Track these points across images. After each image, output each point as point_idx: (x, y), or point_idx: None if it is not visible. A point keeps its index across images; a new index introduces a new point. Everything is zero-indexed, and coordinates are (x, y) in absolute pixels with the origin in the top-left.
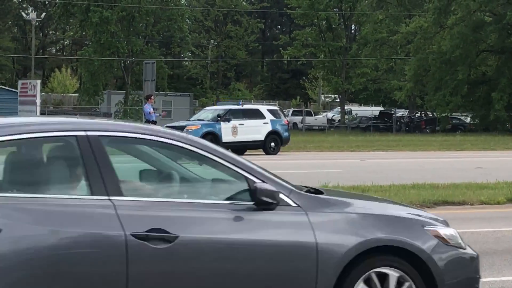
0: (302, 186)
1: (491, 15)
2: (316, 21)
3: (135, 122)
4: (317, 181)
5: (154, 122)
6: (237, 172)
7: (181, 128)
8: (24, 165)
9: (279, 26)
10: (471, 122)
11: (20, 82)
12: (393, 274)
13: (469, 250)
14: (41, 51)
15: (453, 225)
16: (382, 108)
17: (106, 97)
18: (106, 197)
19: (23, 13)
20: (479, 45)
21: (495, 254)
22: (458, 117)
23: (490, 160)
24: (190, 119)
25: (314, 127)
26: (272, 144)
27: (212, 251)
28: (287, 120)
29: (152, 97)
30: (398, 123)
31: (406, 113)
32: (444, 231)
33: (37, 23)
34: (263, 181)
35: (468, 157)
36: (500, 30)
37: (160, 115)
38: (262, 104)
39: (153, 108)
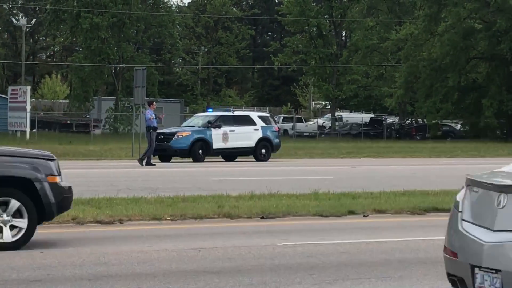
0: None
1: (481, 22)
2: (306, 28)
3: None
4: (307, 188)
5: (155, 129)
6: None
7: (171, 135)
8: None
9: (270, 33)
10: (462, 129)
11: (10, 88)
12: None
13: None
14: (31, 57)
15: (443, 231)
16: (372, 115)
17: (96, 103)
18: None
19: (13, 19)
20: (469, 52)
21: None
22: (449, 124)
23: (480, 167)
24: (181, 126)
25: (304, 134)
26: (263, 150)
27: None
28: (278, 127)
29: (154, 103)
30: (388, 129)
31: (397, 120)
32: None
33: (27, 29)
34: None
35: (459, 164)
36: (490, 37)
37: (160, 118)
38: (253, 111)
39: (155, 114)
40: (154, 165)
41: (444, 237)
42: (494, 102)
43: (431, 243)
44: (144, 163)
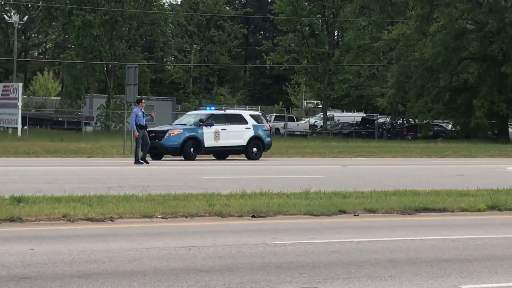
0: None
1: (473, 23)
2: (299, 27)
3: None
4: (298, 187)
5: (145, 127)
6: None
7: (163, 133)
8: None
9: (262, 32)
10: (453, 129)
11: (1, 85)
12: None
13: None
14: (23, 54)
15: (433, 231)
16: (364, 115)
17: (88, 101)
18: None
19: (5, 16)
20: (461, 53)
21: (475, 261)
22: (440, 124)
23: (471, 167)
24: (173, 124)
25: (296, 133)
26: (254, 149)
27: None
28: (270, 126)
29: (143, 101)
30: (380, 129)
31: (388, 120)
32: None
33: (19, 26)
34: None
35: (449, 164)
36: (482, 38)
37: (152, 116)
38: (245, 109)
39: (142, 112)
40: (142, 163)
41: (433, 237)
42: (485, 102)
43: (421, 243)
44: (146, 161)
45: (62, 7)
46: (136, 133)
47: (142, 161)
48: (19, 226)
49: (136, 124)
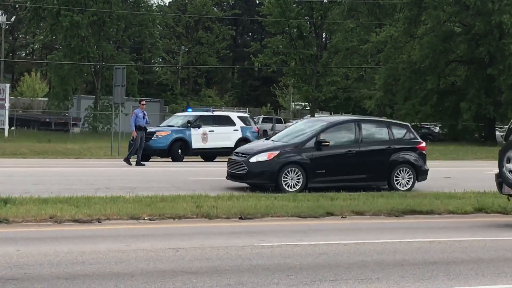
0: None
1: (460, 25)
2: (287, 29)
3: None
4: None
5: (145, 129)
6: None
7: (151, 134)
8: None
9: (250, 33)
10: (440, 131)
11: None
12: None
13: None
14: (10, 54)
15: (420, 233)
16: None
17: (75, 102)
18: None
19: None
20: (449, 55)
21: (462, 263)
22: (427, 126)
23: (458, 170)
24: (160, 125)
25: None
26: None
27: None
28: (257, 127)
29: (144, 102)
30: None
31: None
32: None
33: (7, 27)
34: None
35: (437, 166)
36: (469, 40)
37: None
38: (233, 111)
39: (143, 113)
40: (131, 164)
41: (420, 239)
42: (472, 105)
43: (408, 245)
44: (141, 163)
45: (50, 8)
46: (135, 133)
47: (143, 163)
48: (6, 228)
49: (135, 125)
